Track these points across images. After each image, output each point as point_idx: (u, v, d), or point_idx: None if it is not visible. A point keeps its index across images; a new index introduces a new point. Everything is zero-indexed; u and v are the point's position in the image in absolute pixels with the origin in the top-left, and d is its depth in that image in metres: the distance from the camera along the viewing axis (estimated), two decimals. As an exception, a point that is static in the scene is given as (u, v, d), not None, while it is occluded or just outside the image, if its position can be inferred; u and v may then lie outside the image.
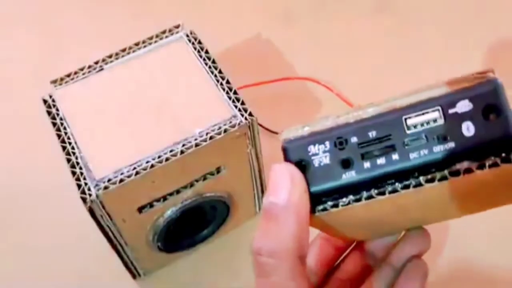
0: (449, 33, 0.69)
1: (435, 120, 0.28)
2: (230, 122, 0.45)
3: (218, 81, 0.47)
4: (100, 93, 0.48)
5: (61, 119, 0.46)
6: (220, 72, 0.47)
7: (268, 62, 0.68)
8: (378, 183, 0.29)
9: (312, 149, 0.30)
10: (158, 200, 0.47)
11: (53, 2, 0.58)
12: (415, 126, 0.28)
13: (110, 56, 0.49)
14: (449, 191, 0.29)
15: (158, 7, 0.70)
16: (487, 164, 0.27)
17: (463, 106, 0.28)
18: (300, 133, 0.30)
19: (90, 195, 0.43)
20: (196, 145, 0.44)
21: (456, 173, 0.27)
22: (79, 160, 0.44)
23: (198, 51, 0.49)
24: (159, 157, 0.44)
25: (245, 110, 0.46)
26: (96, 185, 0.43)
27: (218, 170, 0.48)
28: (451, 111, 0.28)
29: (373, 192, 0.29)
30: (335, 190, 0.29)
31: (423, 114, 0.28)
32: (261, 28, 0.69)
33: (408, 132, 0.28)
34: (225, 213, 0.52)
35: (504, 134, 0.27)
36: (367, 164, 0.29)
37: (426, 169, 0.28)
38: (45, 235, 0.57)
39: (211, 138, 0.45)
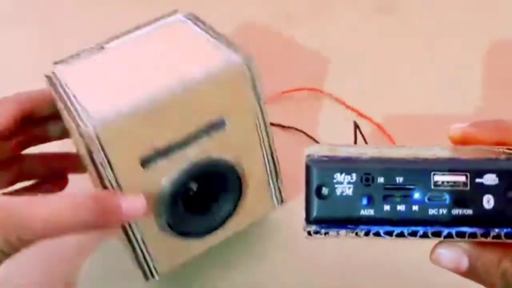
0: (449, 33, 0.70)
1: (460, 184, 0.30)
2: (229, 60, 0.45)
3: (215, 38, 0.48)
4: (101, 63, 0.48)
5: (63, 86, 0.47)
6: (218, 34, 0.49)
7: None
8: (390, 224, 0.30)
9: (338, 177, 0.30)
10: (161, 155, 0.45)
11: (53, 2, 0.61)
12: (440, 184, 0.30)
13: (111, 38, 0.51)
14: None
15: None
16: (491, 235, 0.30)
17: (490, 179, 0.30)
18: (326, 152, 0.31)
19: (86, 127, 0.42)
20: (194, 81, 0.44)
21: (462, 235, 0.30)
22: (77, 107, 0.44)
23: (197, 24, 0.50)
24: (158, 93, 0.43)
25: (243, 53, 0.46)
26: (94, 119, 0.42)
27: (221, 125, 0.47)
28: (477, 180, 0.30)
29: (381, 230, 0.30)
30: (348, 221, 0.30)
31: (451, 175, 0.30)
32: (261, 28, 0.70)
33: (433, 187, 0.30)
34: (237, 187, 0.50)
35: None
36: (387, 207, 0.30)
37: (437, 223, 0.30)
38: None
39: (209, 75, 0.44)
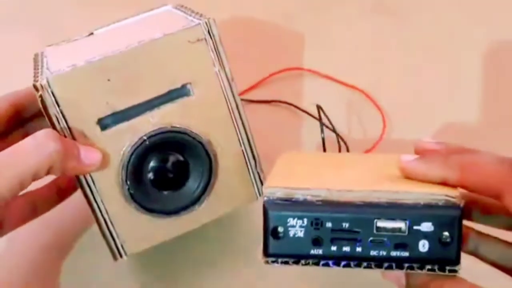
0: (449, 34, 0.68)
1: (400, 230, 0.35)
2: (189, 24, 0.46)
3: (189, 15, 0.49)
4: (83, 44, 0.51)
5: (42, 56, 0.50)
6: (196, 13, 0.50)
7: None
8: (336, 259, 0.36)
9: (291, 221, 0.36)
10: (120, 118, 0.45)
11: (53, 2, 0.64)
12: (382, 229, 0.35)
13: (102, 26, 0.53)
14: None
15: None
16: (426, 268, 0.35)
17: (427, 227, 0.35)
18: (282, 195, 0.36)
19: (41, 80, 0.43)
20: (152, 40, 0.45)
21: (401, 267, 0.35)
22: (43, 66, 0.46)
23: (180, 10, 0.52)
24: (113, 50, 0.44)
25: (205, 17, 0.46)
26: (50, 73, 0.44)
27: (185, 91, 0.46)
28: (415, 227, 0.35)
29: (330, 262, 0.36)
30: (299, 257, 0.36)
31: (392, 221, 0.35)
32: (261, 27, 0.70)
33: (375, 232, 0.35)
34: (207, 165, 0.48)
35: (450, 258, 0.35)
36: (334, 248, 0.35)
37: (378, 261, 0.35)
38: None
39: (167, 36, 0.45)
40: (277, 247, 0.36)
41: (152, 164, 0.47)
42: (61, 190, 0.51)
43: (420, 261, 0.35)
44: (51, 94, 0.43)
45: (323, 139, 0.55)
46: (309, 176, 0.40)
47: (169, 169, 0.48)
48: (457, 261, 0.35)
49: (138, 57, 0.45)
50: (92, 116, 0.45)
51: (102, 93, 0.45)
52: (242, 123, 0.49)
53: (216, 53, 0.46)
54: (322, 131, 0.55)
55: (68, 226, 0.54)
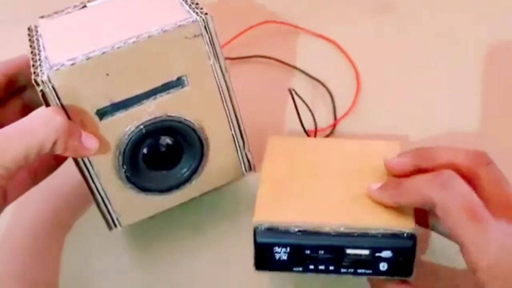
0: (449, 34, 0.69)
1: (365, 255, 0.44)
2: (185, 20, 0.46)
3: (186, 2, 0.49)
4: (78, 19, 0.51)
5: (37, 36, 0.50)
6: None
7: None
8: (314, 272, 0.45)
9: (276, 248, 0.44)
10: (118, 108, 0.47)
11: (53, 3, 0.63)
12: (351, 255, 0.44)
13: (95, -1, 0.53)
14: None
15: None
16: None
17: (386, 254, 0.43)
18: (269, 225, 0.44)
19: (42, 76, 0.44)
20: (149, 37, 0.45)
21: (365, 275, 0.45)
22: (41, 57, 0.47)
23: None
24: (112, 46, 0.45)
25: (202, 13, 0.47)
26: (50, 68, 0.45)
27: (180, 83, 0.48)
28: (377, 254, 0.44)
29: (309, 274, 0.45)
30: (285, 270, 0.45)
31: (358, 249, 0.44)
32: (261, 28, 0.70)
33: (345, 257, 0.44)
34: (199, 149, 0.51)
35: (405, 274, 0.44)
36: (311, 266, 0.45)
37: (347, 274, 0.45)
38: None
39: (164, 32, 0.46)
40: (265, 265, 0.45)
41: (146, 146, 0.50)
42: (58, 156, 0.53)
43: (381, 275, 0.44)
44: (51, 89, 0.44)
45: (301, 123, 0.58)
46: (292, 206, 0.46)
47: (162, 151, 0.51)
48: (410, 274, 0.44)
49: (137, 53, 0.46)
50: (91, 107, 0.46)
51: (101, 86, 0.46)
52: (234, 110, 0.51)
53: (212, 47, 0.48)
54: (298, 115, 0.57)
55: (67, 206, 0.56)
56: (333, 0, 0.73)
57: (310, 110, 0.60)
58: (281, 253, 0.44)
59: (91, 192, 0.50)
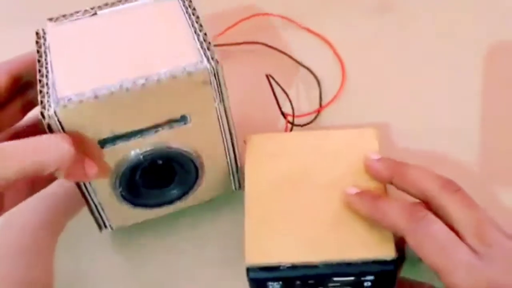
0: (449, 34, 0.69)
1: (350, 281, 0.48)
2: (195, 66, 0.47)
3: (196, 32, 0.49)
4: (87, 32, 0.50)
5: (46, 47, 0.50)
6: (200, 26, 0.49)
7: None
8: None
9: (269, 284, 0.48)
10: (120, 139, 0.48)
11: (53, 3, 0.62)
12: (338, 281, 0.48)
13: (106, 5, 0.52)
14: None
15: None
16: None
17: (369, 278, 0.48)
18: (262, 264, 0.48)
19: (49, 110, 0.45)
20: (158, 81, 0.46)
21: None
22: (49, 82, 0.47)
23: (187, 8, 0.51)
24: (120, 86, 0.46)
25: (212, 58, 0.47)
26: (57, 102, 0.45)
27: (183, 120, 0.49)
28: (361, 278, 0.48)
29: None
30: None
31: (344, 276, 0.48)
32: (260, 28, 0.70)
33: (332, 283, 0.48)
34: (193, 175, 0.53)
35: None
36: None
37: None
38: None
39: (173, 77, 0.46)
40: None
41: (143, 169, 0.52)
42: None
43: None
44: (57, 122, 0.45)
45: (280, 109, 0.59)
46: (280, 244, 0.49)
47: (157, 173, 0.53)
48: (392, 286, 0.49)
49: (144, 94, 0.46)
50: (94, 137, 0.48)
51: (106, 121, 0.47)
52: (232, 141, 0.52)
53: (219, 91, 0.48)
54: (276, 100, 0.59)
55: (61, 206, 0.58)
56: (333, 0, 0.72)
57: (288, 96, 0.61)
58: (274, 285, 0.48)
59: (86, 201, 0.52)
